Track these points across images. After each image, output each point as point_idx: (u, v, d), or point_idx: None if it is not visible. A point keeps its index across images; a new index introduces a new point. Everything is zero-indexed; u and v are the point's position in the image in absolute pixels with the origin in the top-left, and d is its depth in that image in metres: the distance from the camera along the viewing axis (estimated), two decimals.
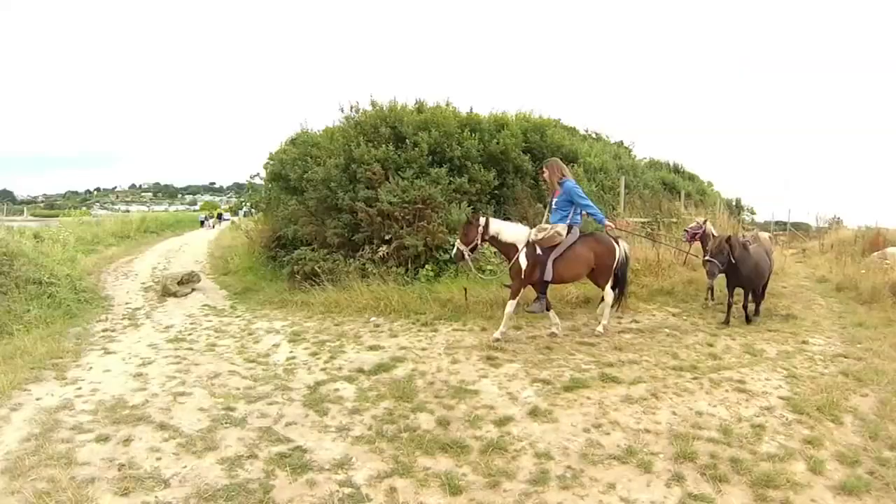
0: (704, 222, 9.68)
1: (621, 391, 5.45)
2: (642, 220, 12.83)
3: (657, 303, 9.35)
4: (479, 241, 6.76)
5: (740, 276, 7.71)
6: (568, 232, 6.56)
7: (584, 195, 6.59)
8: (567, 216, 6.59)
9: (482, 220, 6.77)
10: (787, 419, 4.85)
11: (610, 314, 7.37)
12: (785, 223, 28.19)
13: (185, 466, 4.05)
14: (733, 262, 7.45)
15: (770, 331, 7.77)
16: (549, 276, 6.53)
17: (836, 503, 3.65)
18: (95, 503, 3.56)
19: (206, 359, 6.59)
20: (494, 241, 6.88)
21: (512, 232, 6.78)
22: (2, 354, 6.34)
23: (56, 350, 6.70)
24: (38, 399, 5.25)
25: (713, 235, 8.93)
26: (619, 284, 7.20)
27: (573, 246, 6.61)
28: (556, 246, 6.51)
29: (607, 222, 6.90)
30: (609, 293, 7.07)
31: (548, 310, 7.01)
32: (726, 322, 7.95)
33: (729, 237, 7.65)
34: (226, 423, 4.77)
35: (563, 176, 6.68)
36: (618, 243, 6.96)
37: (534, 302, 6.87)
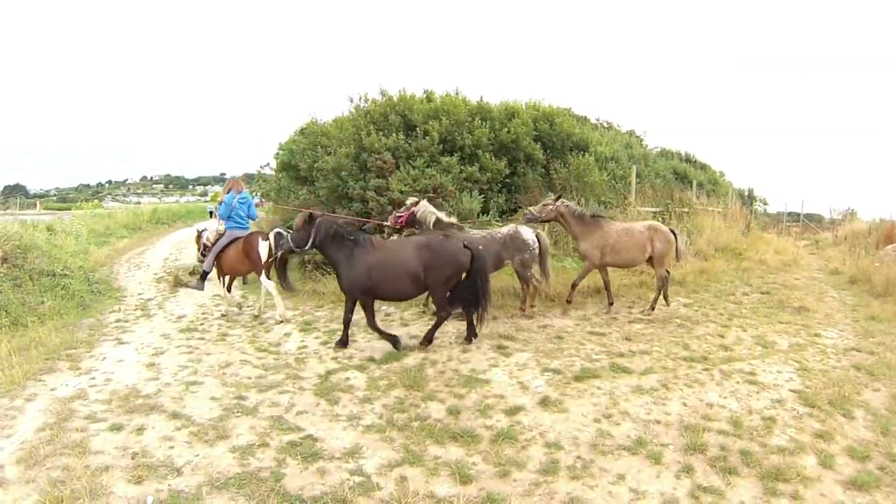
0: (415, 203, 7.76)
1: (632, 381, 5.44)
2: (653, 209, 12.76)
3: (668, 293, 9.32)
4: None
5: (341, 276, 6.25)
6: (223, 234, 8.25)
7: (223, 205, 8.26)
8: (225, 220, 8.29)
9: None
10: (797, 412, 4.83)
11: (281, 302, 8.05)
12: (798, 214, 27.94)
13: (197, 455, 4.09)
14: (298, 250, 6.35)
15: (782, 323, 7.73)
16: (207, 267, 8.35)
17: (846, 498, 3.64)
18: (109, 491, 3.61)
19: (217, 348, 6.63)
20: (209, 244, 8.60)
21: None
22: (17, 346, 6.41)
23: (70, 341, 6.77)
24: (52, 389, 5.31)
25: (432, 221, 7.53)
26: (279, 274, 7.40)
27: (230, 245, 8.12)
28: (216, 244, 8.25)
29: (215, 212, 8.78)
30: (265, 283, 7.94)
31: (229, 291, 8.72)
32: (341, 343, 6.54)
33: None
34: (237, 411, 4.81)
35: (228, 191, 8.34)
36: (266, 238, 7.61)
37: (197, 279, 8.58)
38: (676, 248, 8.34)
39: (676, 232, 8.46)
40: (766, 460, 4.00)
